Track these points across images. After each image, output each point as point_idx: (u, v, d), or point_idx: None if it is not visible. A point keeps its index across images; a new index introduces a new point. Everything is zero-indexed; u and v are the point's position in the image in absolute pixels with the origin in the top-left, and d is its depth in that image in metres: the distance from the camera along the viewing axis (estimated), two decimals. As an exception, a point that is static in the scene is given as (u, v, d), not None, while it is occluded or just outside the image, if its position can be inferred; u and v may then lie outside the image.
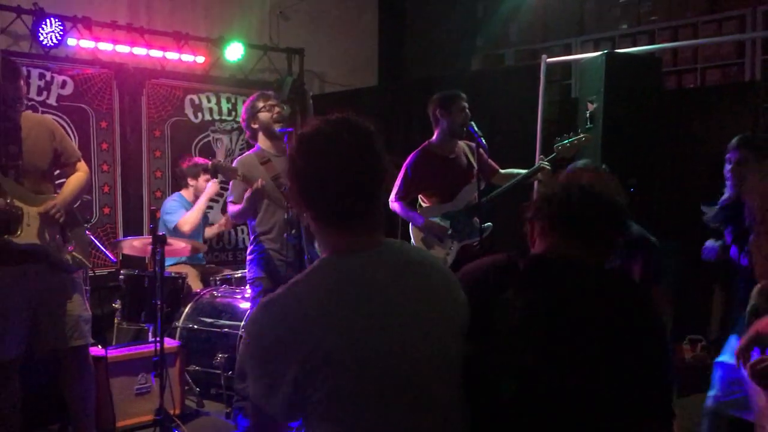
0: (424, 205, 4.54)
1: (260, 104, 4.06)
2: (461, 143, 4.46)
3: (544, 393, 1.50)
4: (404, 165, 4.46)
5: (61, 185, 3.52)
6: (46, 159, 3.40)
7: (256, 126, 4.09)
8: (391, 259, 1.54)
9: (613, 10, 7.38)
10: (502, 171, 4.52)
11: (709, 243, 3.67)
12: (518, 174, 4.38)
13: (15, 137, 3.25)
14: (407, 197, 4.49)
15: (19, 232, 3.21)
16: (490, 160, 4.53)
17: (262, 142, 4.09)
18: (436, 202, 4.45)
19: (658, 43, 6.56)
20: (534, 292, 1.60)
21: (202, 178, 5.34)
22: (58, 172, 3.58)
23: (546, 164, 4.26)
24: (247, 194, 3.86)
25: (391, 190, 4.49)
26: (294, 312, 1.44)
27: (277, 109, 4.06)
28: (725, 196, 3.46)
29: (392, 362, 1.43)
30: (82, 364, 3.54)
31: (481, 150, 4.30)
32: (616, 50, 5.83)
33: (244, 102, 6.46)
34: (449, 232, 4.34)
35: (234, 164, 3.99)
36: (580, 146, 4.21)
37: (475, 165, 4.32)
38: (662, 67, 5.81)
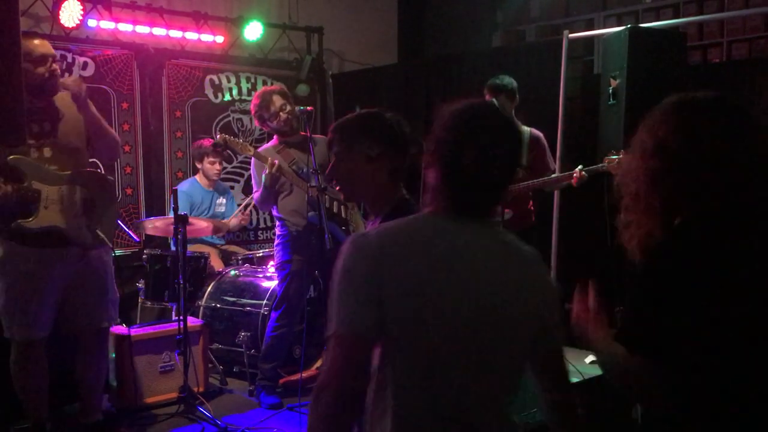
0: None
1: (265, 114, 4.12)
2: (524, 128, 4.43)
3: None
4: None
5: (94, 164, 3.57)
6: (81, 137, 3.46)
7: (268, 128, 4.25)
8: (478, 231, 1.58)
9: (637, -17, 7.24)
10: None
11: None
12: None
13: (49, 115, 3.31)
14: None
15: (35, 216, 3.24)
16: (549, 160, 4.58)
17: (278, 136, 4.23)
18: None
19: (683, 17, 6.43)
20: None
21: (207, 160, 5.33)
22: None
23: (585, 173, 4.17)
24: (264, 172, 3.96)
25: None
26: (374, 244, 1.52)
27: (283, 116, 4.11)
28: None
29: (443, 319, 1.49)
30: (102, 344, 3.62)
31: (541, 145, 4.49)
32: (640, 25, 5.71)
33: (263, 82, 6.48)
34: None
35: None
36: None
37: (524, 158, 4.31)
38: (687, 41, 5.67)
